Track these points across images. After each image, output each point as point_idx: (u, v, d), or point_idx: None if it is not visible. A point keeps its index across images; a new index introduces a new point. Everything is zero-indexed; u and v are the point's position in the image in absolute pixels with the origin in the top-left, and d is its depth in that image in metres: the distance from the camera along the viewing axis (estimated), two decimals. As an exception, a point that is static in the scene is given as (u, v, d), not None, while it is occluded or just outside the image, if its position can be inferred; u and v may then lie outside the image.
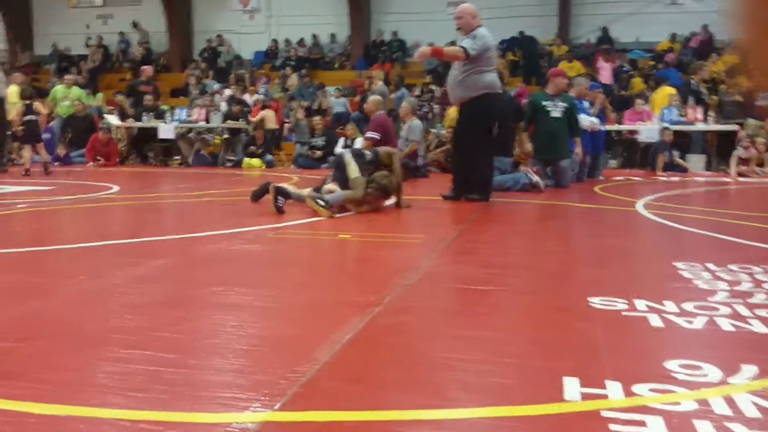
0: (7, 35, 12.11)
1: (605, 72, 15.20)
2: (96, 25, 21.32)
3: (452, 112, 12.71)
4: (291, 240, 4.46)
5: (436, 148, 11.52)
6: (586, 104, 9.63)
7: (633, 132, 12.03)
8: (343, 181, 5.91)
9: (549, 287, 3.12)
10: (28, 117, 10.66)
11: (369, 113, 9.13)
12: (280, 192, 5.78)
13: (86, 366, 1.99)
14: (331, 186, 5.93)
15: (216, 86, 16.36)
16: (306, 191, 5.95)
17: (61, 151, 13.10)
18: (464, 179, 6.60)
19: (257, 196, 6.17)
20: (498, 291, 2.99)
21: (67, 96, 14.22)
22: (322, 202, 5.51)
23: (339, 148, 11.20)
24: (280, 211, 5.64)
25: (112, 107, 15.30)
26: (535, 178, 7.74)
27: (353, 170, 5.90)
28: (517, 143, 8.62)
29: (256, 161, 12.47)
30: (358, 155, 6.08)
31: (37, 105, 10.88)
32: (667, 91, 12.53)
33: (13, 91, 11.89)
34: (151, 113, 13.64)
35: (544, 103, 8.40)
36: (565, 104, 8.39)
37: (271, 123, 13.37)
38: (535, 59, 16.78)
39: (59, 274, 3.36)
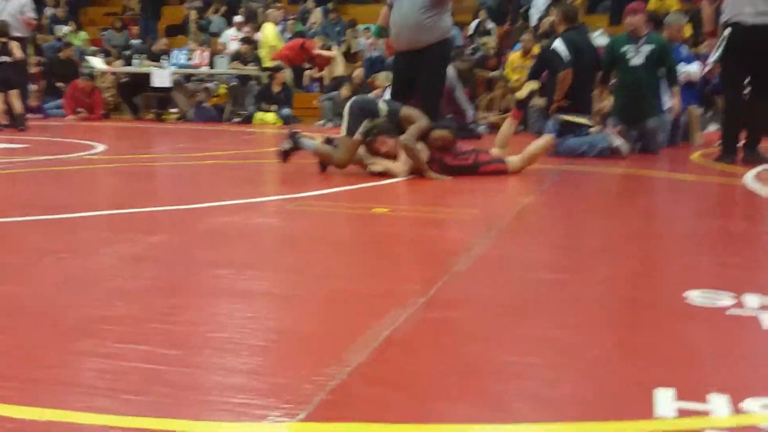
0: None
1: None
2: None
3: (515, 58, 12.64)
4: (315, 214, 4.48)
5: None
6: (683, 51, 9.45)
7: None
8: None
9: (635, 277, 3.10)
10: (2, 59, 10.66)
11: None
12: (294, 138, 5.92)
13: (70, 362, 2.03)
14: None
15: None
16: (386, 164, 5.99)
17: (33, 101, 13.27)
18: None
19: (287, 153, 6.14)
20: (572, 281, 2.98)
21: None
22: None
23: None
24: (283, 155, 5.83)
25: (95, 48, 15.47)
26: (617, 141, 7.66)
27: (342, 128, 5.95)
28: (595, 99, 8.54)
29: (270, 116, 12.53)
30: (365, 109, 5.97)
31: (14, 45, 10.81)
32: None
33: None
34: (143, 55, 13.73)
35: (623, 49, 8.25)
36: (651, 46, 8.20)
37: (339, 69, 13.54)
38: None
39: (35, 251, 3.42)
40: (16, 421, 1.67)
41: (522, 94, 7.84)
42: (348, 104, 6.09)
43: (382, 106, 5.95)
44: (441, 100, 7.16)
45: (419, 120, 5.83)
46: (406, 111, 5.95)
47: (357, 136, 5.82)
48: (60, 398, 1.78)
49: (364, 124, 5.82)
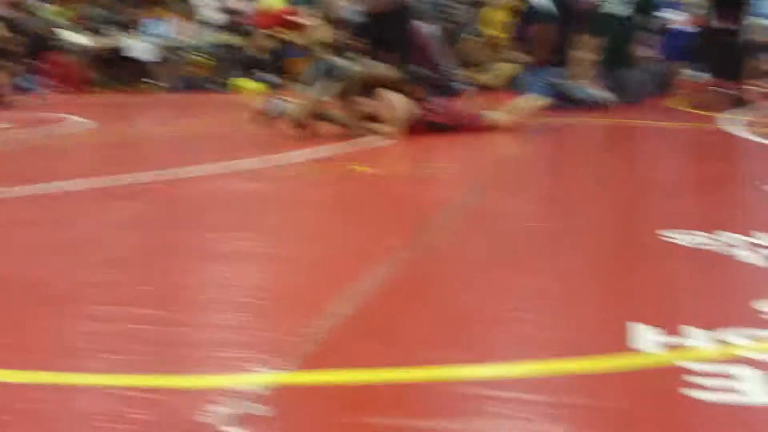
0: None
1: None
2: None
3: (496, 14, 12.56)
4: (298, 176, 4.49)
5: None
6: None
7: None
8: None
9: (616, 221, 3.13)
10: None
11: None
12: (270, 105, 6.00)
13: (57, 326, 2.04)
14: None
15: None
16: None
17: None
18: None
19: (266, 119, 6.21)
20: (553, 229, 3.01)
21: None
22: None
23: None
24: (263, 121, 6.01)
25: (67, 20, 15.30)
26: (599, 94, 7.66)
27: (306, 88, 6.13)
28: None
29: (253, 83, 12.46)
30: (330, 70, 6.06)
31: None
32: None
33: None
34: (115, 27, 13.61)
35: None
36: None
37: (318, 34, 13.47)
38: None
39: (19, 221, 3.42)
40: (3, 385, 1.68)
41: (496, 82, 7.82)
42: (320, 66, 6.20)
43: (347, 66, 6.01)
44: (411, 56, 7.12)
45: (385, 73, 5.87)
46: (372, 65, 6.01)
47: (315, 94, 5.92)
48: (48, 361, 1.80)
49: (324, 82, 5.90)
